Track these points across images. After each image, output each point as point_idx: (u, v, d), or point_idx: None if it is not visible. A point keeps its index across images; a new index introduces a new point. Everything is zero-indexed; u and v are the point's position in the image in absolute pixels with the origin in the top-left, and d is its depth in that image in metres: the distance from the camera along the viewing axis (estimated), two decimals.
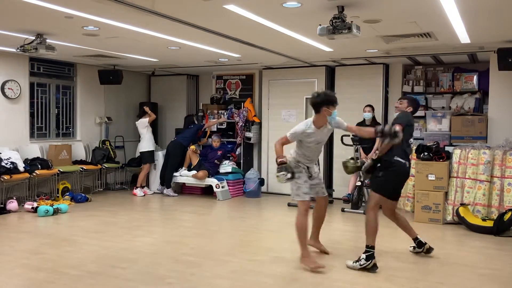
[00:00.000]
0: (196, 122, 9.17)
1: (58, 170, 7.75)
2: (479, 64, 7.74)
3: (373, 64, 8.11)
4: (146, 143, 8.78)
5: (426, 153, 6.59)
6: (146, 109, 8.96)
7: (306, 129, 4.46)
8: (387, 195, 4.58)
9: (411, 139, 4.70)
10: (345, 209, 7.23)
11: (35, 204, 6.93)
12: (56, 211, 6.79)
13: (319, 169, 5.04)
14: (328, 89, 8.55)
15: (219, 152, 8.72)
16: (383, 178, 4.51)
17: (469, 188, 6.28)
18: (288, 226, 6.41)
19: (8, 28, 5.65)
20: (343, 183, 8.14)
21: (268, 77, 9.06)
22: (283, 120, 8.88)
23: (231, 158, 8.92)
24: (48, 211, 6.67)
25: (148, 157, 8.80)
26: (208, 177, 8.40)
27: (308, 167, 4.70)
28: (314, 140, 4.52)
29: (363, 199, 7.41)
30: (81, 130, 9.01)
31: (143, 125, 8.81)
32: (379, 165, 4.58)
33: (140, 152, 8.88)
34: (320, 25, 4.43)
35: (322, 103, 4.38)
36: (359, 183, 7.25)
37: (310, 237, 4.89)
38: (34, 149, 7.81)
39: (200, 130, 9.01)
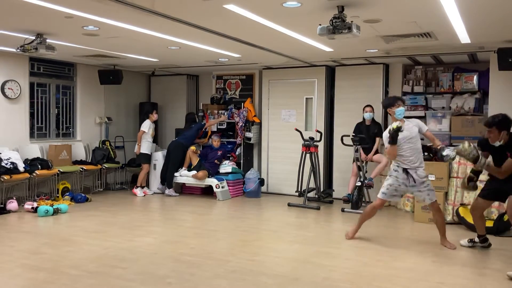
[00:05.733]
0: (197, 120, 9.17)
1: (58, 170, 7.75)
2: (479, 64, 7.74)
3: (373, 64, 8.10)
4: (144, 145, 8.74)
5: (426, 153, 6.58)
6: None
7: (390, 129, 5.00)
8: None
9: None
10: (345, 209, 7.23)
11: (35, 204, 6.92)
12: (56, 211, 6.79)
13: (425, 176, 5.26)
14: (328, 89, 8.60)
15: (219, 152, 8.72)
16: None
17: None
18: (288, 226, 6.42)
19: (8, 28, 5.65)
20: (343, 183, 8.14)
21: (268, 77, 9.06)
22: (283, 120, 8.89)
23: (231, 158, 8.93)
24: (48, 211, 6.67)
25: (142, 158, 8.76)
26: (208, 177, 8.39)
27: (406, 170, 5.10)
28: (402, 138, 5.01)
29: (363, 199, 7.42)
30: (81, 130, 9.01)
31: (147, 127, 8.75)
32: None
33: (135, 152, 8.90)
34: (320, 25, 4.42)
35: (385, 106, 5.30)
36: (359, 183, 7.26)
37: (440, 238, 5.33)
38: (34, 149, 7.81)
39: (201, 130, 9.00)
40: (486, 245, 5.19)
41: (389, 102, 5.23)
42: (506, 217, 5.73)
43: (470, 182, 5.11)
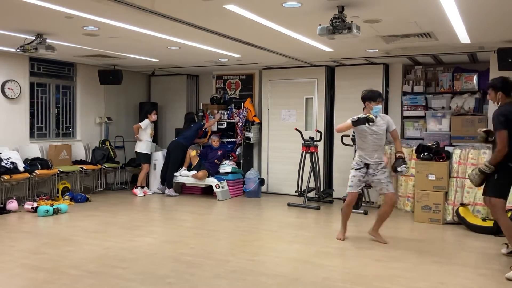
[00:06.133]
0: (196, 120, 9.17)
1: (58, 170, 7.75)
2: (479, 64, 7.74)
3: (373, 64, 8.10)
4: (143, 145, 8.74)
5: (426, 153, 6.59)
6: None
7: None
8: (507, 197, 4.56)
9: None
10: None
11: (35, 204, 6.92)
12: (56, 211, 6.79)
13: (384, 169, 5.32)
14: (328, 89, 8.60)
15: (219, 152, 8.72)
16: (502, 182, 4.46)
17: (469, 188, 6.28)
18: (288, 226, 6.42)
19: (8, 28, 5.65)
20: (343, 183, 8.10)
21: (268, 77, 9.06)
22: (283, 120, 8.89)
23: (231, 158, 8.93)
24: (48, 211, 6.67)
25: (142, 158, 8.76)
26: (208, 177, 8.40)
27: (367, 164, 5.24)
28: (368, 129, 5.15)
29: (363, 199, 7.41)
30: (81, 130, 9.01)
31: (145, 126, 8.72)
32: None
33: (135, 152, 8.89)
34: (320, 25, 4.43)
35: (365, 98, 5.26)
36: None
37: (372, 228, 5.48)
38: (34, 149, 7.81)
39: (201, 130, 9.01)
40: None
41: (371, 96, 5.22)
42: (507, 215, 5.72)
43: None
